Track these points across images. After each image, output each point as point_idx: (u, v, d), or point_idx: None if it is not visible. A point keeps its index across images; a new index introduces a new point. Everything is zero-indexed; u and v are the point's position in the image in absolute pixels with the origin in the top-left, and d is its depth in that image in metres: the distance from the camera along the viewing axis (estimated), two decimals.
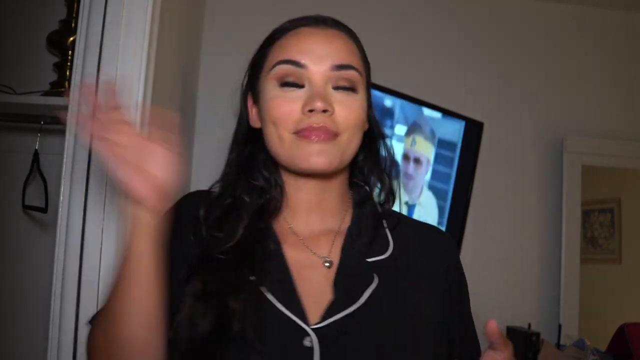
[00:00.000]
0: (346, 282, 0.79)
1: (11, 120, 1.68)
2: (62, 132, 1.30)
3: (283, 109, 0.80)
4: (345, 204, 0.89)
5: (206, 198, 0.85)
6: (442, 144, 2.21)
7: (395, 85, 2.05)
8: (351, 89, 0.82)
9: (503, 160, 2.40)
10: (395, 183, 0.91)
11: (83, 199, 1.21)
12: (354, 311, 0.76)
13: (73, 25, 1.69)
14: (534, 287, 2.38)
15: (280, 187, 0.86)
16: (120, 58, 1.26)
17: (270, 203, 0.85)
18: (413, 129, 2.13)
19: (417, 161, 2.16)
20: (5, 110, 1.62)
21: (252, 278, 0.76)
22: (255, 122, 0.88)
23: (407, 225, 0.91)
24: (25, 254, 1.78)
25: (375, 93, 2.01)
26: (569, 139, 2.40)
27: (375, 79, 2.24)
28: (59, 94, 1.62)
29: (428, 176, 2.19)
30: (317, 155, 0.79)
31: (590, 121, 2.47)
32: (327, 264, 0.82)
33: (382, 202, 0.91)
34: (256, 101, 0.87)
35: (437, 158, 2.20)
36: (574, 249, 2.37)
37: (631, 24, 2.55)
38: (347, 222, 0.87)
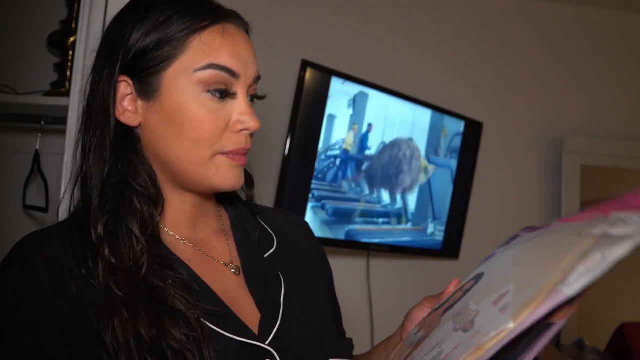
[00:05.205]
0: (260, 286, 0.76)
1: (12, 120, 1.68)
2: (63, 132, 1.31)
3: (213, 127, 0.69)
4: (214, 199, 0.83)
5: (61, 234, 0.68)
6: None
7: (395, 86, 2.05)
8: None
9: (503, 160, 2.41)
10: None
11: None
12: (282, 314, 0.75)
13: (73, 25, 1.69)
14: None
15: (161, 196, 0.73)
16: None
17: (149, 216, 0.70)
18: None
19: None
20: (5, 110, 1.63)
21: (182, 309, 0.64)
22: (131, 120, 0.70)
23: (269, 214, 0.88)
24: None
25: (376, 93, 2.02)
26: (568, 139, 2.40)
27: (375, 79, 2.22)
28: (60, 94, 1.63)
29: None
30: (238, 178, 0.72)
31: (589, 121, 2.48)
32: (233, 270, 0.76)
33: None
34: (145, 96, 0.70)
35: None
36: None
37: (630, 24, 2.55)
38: (225, 217, 0.83)
